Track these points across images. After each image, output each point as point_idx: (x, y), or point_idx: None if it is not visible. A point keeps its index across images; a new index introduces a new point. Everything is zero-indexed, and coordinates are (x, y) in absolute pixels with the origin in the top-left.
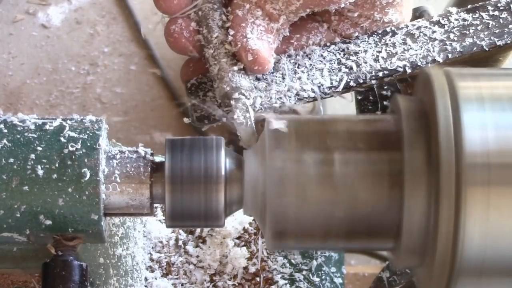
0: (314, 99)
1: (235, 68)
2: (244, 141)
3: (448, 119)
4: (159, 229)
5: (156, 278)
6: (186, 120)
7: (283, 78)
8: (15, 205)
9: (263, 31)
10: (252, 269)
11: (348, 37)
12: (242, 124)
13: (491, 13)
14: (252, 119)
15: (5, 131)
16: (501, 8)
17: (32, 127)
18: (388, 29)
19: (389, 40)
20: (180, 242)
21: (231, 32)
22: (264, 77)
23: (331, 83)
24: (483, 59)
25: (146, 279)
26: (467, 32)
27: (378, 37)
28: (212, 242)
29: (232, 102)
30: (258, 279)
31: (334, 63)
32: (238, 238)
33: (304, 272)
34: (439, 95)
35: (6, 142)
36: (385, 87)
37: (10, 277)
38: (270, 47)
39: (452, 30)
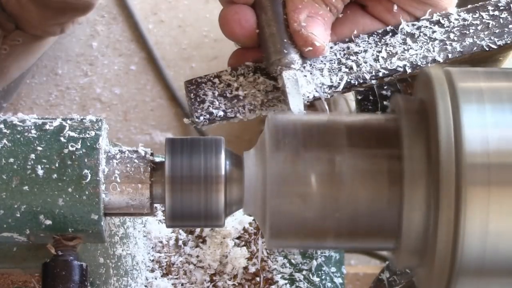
0: (316, 98)
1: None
2: (292, 110)
3: (448, 119)
4: (159, 229)
5: (156, 278)
6: (186, 120)
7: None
8: (15, 205)
9: (317, 15)
10: (252, 269)
11: (389, 25)
12: (291, 93)
13: (491, 13)
14: (300, 89)
15: (5, 131)
16: (501, 8)
17: (32, 127)
18: (388, 29)
19: (389, 40)
20: (180, 242)
21: (288, 16)
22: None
23: (331, 83)
24: (483, 59)
25: (146, 279)
26: (467, 32)
27: (378, 37)
28: (212, 242)
29: (282, 72)
30: (258, 279)
31: (334, 63)
32: (238, 238)
33: (304, 272)
34: (439, 95)
35: (6, 142)
36: (385, 87)
37: (10, 277)
38: (326, 32)
39: (452, 30)
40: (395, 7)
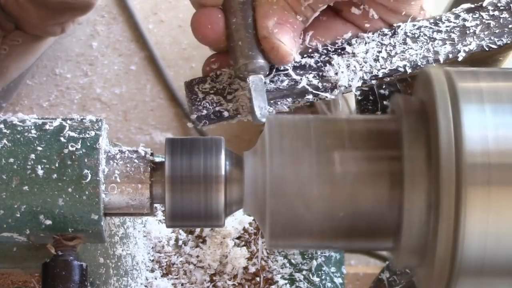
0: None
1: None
2: (256, 115)
3: (448, 119)
4: (159, 229)
5: (156, 278)
6: (189, 124)
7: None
8: (15, 205)
9: (287, 22)
10: (252, 269)
11: (365, 30)
12: (257, 98)
13: (491, 13)
14: (265, 94)
15: (5, 131)
16: (501, 8)
17: (32, 127)
18: (388, 29)
19: (389, 40)
20: (180, 242)
21: (256, 22)
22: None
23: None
24: (483, 59)
25: (146, 279)
26: (467, 32)
27: (378, 37)
28: (212, 242)
29: (248, 76)
30: (258, 279)
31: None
32: (238, 238)
33: (304, 272)
34: (439, 95)
35: (6, 142)
36: (385, 87)
37: (10, 277)
38: (294, 40)
39: (452, 30)
40: (370, 14)
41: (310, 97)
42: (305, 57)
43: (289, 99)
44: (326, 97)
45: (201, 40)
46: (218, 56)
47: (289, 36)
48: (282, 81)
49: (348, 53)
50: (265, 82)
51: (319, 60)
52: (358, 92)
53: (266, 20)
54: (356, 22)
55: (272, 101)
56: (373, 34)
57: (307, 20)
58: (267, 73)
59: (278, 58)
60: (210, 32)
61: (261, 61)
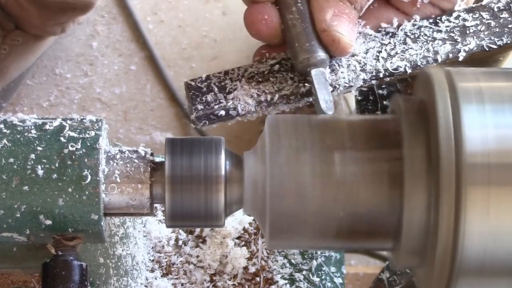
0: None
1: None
2: (323, 107)
3: (448, 119)
4: (159, 229)
5: (156, 278)
6: (193, 125)
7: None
8: (15, 205)
9: (343, 14)
10: (252, 269)
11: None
12: (321, 91)
13: (491, 13)
14: (329, 87)
15: (5, 131)
16: (501, 8)
17: (32, 127)
18: (388, 29)
19: (389, 40)
20: (180, 242)
21: (313, 15)
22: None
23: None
24: (483, 59)
25: (146, 279)
26: (467, 32)
27: (378, 37)
28: (212, 242)
29: (310, 70)
30: (258, 279)
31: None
32: (238, 238)
33: (304, 272)
34: (439, 95)
35: (6, 142)
36: (385, 87)
37: (10, 277)
38: (352, 31)
39: (452, 30)
40: (419, 1)
41: (310, 98)
42: None
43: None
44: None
45: (255, 36)
46: (269, 48)
47: (348, 27)
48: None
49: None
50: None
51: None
52: (358, 92)
53: (323, 13)
54: (405, 9)
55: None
56: (422, 20)
57: (361, 9)
58: (327, 65)
59: (339, 50)
60: (264, 27)
61: (321, 54)
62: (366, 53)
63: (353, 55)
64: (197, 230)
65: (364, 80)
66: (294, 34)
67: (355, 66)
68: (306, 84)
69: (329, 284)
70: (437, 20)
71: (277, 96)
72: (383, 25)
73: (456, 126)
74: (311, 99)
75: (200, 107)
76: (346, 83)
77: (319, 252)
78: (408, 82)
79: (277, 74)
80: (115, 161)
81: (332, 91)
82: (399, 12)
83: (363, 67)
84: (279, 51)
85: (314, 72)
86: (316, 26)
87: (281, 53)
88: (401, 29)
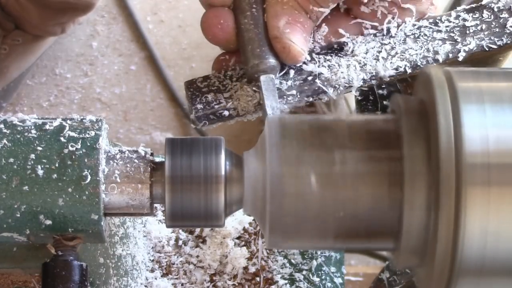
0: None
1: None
2: (268, 114)
3: (448, 119)
4: (159, 229)
5: (156, 278)
6: (193, 125)
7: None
8: (15, 205)
9: (297, 22)
10: (252, 269)
11: (375, 27)
12: (268, 97)
13: (491, 13)
14: (276, 94)
15: (5, 131)
16: (501, 8)
17: (32, 127)
18: (388, 29)
19: (389, 40)
20: (180, 242)
21: (267, 22)
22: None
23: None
24: (483, 59)
25: (146, 279)
26: (467, 32)
27: (378, 37)
28: (212, 242)
29: (260, 76)
30: (258, 279)
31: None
32: (238, 238)
33: (304, 272)
34: (439, 95)
35: (6, 142)
36: (385, 87)
37: (10, 277)
38: (305, 40)
39: (452, 30)
40: (379, 12)
41: (310, 98)
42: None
43: (298, 97)
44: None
45: (211, 40)
46: (228, 54)
47: (300, 36)
48: (294, 79)
49: (348, 53)
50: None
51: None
52: (358, 92)
53: (276, 20)
54: (365, 19)
55: (282, 99)
56: (377, 33)
57: (317, 19)
58: (278, 72)
59: (289, 58)
60: (220, 32)
61: (272, 61)
62: (366, 53)
63: (353, 55)
64: (197, 230)
65: (364, 80)
66: (246, 39)
67: (355, 66)
68: (306, 84)
69: (329, 284)
70: (437, 20)
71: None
72: (342, 33)
73: (456, 126)
74: (311, 99)
75: (200, 107)
76: (346, 83)
77: (319, 252)
78: (408, 82)
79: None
80: (115, 161)
81: (332, 91)
82: (359, 23)
83: (363, 67)
84: (236, 57)
85: (263, 78)
86: (269, 32)
87: (238, 60)
88: (401, 29)
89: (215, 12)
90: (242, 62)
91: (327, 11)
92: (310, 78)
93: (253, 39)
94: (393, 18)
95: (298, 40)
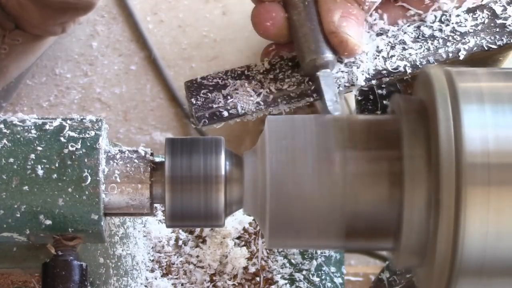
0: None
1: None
2: (329, 109)
3: (448, 119)
4: (159, 229)
5: (156, 278)
6: (193, 125)
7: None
8: (15, 205)
9: (351, 15)
10: (252, 269)
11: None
12: (327, 92)
13: (491, 13)
14: (336, 88)
15: (5, 131)
16: (501, 8)
17: (32, 127)
18: (388, 29)
19: (389, 40)
20: (180, 242)
21: (321, 16)
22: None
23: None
24: (483, 59)
25: (146, 279)
26: (467, 32)
27: (378, 36)
28: (212, 242)
29: (317, 71)
30: (258, 279)
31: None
32: (238, 238)
33: (304, 272)
34: (439, 95)
35: (6, 142)
36: (385, 87)
37: (10, 277)
38: (360, 32)
39: (452, 30)
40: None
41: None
42: None
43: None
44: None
45: (262, 35)
46: (276, 46)
47: (356, 28)
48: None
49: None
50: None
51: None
52: (358, 92)
53: (331, 14)
54: (413, 6)
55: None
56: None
57: (369, 10)
58: (334, 66)
59: (347, 51)
60: (271, 26)
61: (329, 55)
62: (367, 53)
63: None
64: (197, 230)
65: (364, 80)
66: (301, 35)
67: (355, 66)
68: (306, 84)
69: (329, 284)
70: (437, 20)
71: (277, 96)
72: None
73: (456, 126)
74: (311, 99)
75: (200, 107)
76: (346, 83)
77: (319, 252)
78: (408, 82)
79: (277, 74)
80: (115, 161)
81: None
82: (406, 9)
83: (363, 67)
84: (286, 49)
85: (321, 73)
86: (324, 27)
87: (287, 52)
88: (401, 29)
89: (265, 7)
90: (298, 57)
91: (378, 1)
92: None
93: (308, 34)
94: (438, 7)
95: (354, 33)
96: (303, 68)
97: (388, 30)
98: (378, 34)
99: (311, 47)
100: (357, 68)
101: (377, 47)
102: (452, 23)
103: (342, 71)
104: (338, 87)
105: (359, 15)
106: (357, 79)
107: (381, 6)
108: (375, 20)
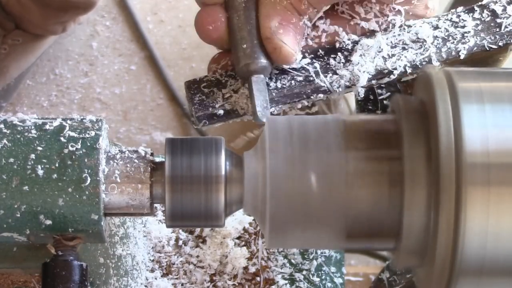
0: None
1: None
2: (258, 114)
3: (448, 119)
4: (159, 229)
5: (156, 278)
6: (193, 125)
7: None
8: (15, 205)
9: (289, 23)
10: (252, 269)
11: (371, 31)
12: (258, 98)
13: (491, 13)
14: (267, 94)
15: (5, 131)
16: (501, 8)
17: (32, 127)
18: (388, 29)
19: (389, 40)
20: (180, 242)
21: (259, 22)
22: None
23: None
24: (483, 59)
25: (146, 279)
26: (467, 32)
27: (378, 36)
28: (212, 242)
29: (251, 76)
30: (258, 279)
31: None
32: (238, 238)
33: (304, 272)
34: (439, 95)
35: (6, 142)
36: (385, 87)
37: (10, 277)
38: (297, 40)
39: (452, 30)
40: (373, 13)
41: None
42: (304, 58)
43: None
44: (322, 98)
45: (204, 39)
46: (223, 54)
47: (292, 37)
48: (285, 80)
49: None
50: (267, 82)
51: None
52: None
53: (269, 20)
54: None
55: (273, 101)
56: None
57: (310, 20)
58: (270, 73)
59: (280, 58)
60: (212, 31)
61: (263, 61)
62: (367, 54)
63: (350, 56)
64: (197, 230)
65: (367, 80)
66: (238, 38)
67: (355, 66)
68: (307, 84)
69: (329, 284)
70: (437, 21)
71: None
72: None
73: (456, 126)
74: (311, 99)
75: (200, 107)
76: (347, 82)
77: (319, 252)
78: (408, 82)
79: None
80: (115, 161)
81: (329, 93)
82: (351, 24)
83: (363, 67)
84: (231, 57)
85: (254, 78)
86: (261, 32)
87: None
88: (400, 29)
89: (208, 10)
90: (233, 61)
91: (320, 12)
92: (300, 79)
93: (245, 38)
94: (385, 20)
95: (290, 41)
96: (237, 72)
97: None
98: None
99: (246, 52)
100: (360, 68)
101: (379, 47)
102: (453, 23)
103: (342, 71)
104: (336, 87)
105: (298, 24)
106: (358, 80)
107: (327, 15)
108: (318, 32)
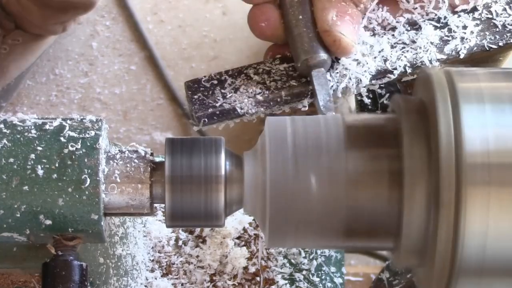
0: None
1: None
2: (322, 108)
3: (448, 119)
4: (159, 229)
5: (156, 278)
6: (196, 128)
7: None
8: (15, 205)
9: (346, 14)
10: (252, 269)
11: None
12: (320, 91)
13: (491, 13)
14: (330, 88)
15: (5, 131)
16: (501, 8)
17: (32, 127)
18: (388, 29)
19: (389, 40)
20: (180, 242)
21: (316, 16)
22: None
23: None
24: (483, 59)
25: (146, 279)
26: (468, 32)
27: (378, 36)
28: (212, 242)
29: (311, 71)
30: (258, 279)
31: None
32: (238, 238)
33: (304, 272)
34: (439, 94)
35: (6, 142)
36: (385, 87)
37: (10, 277)
38: (354, 31)
39: (452, 30)
40: None
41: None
42: None
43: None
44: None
45: (258, 36)
46: (275, 46)
47: (350, 28)
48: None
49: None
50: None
51: None
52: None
53: (325, 13)
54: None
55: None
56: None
57: (366, 10)
58: (329, 66)
59: (340, 50)
60: (266, 28)
61: (323, 54)
62: (368, 54)
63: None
64: (197, 230)
65: (369, 80)
66: (295, 35)
67: (355, 66)
68: (306, 84)
69: (329, 284)
70: (437, 20)
71: (277, 96)
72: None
73: (456, 126)
74: (312, 99)
75: (200, 107)
76: (347, 82)
77: (319, 252)
78: (408, 82)
79: (277, 74)
80: (115, 161)
81: (333, 92)
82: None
83: (364, 67)
84: (287, 50)
85: (314, 73)
86: (318, 26)
87: (288, 52)
88: (401, 29)
89: (261, 8)
90: (292, 57)
91: (375, 0)
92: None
93: (302, 34)
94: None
95: (348, 32)
96: (298, 68)
97: (389, 31)
98: (376, 34)
99: (304, 47)
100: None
101: (379, 47)
102: (453, 23)
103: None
104: (336, 87)
105: (354, 15)
106: (361, 80)
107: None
108: (374, 12)
